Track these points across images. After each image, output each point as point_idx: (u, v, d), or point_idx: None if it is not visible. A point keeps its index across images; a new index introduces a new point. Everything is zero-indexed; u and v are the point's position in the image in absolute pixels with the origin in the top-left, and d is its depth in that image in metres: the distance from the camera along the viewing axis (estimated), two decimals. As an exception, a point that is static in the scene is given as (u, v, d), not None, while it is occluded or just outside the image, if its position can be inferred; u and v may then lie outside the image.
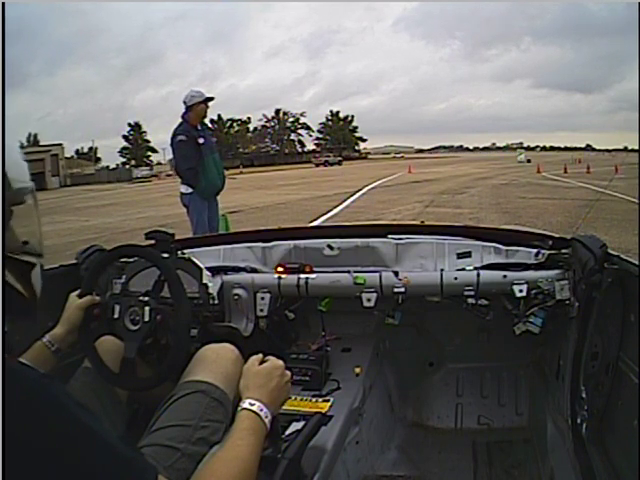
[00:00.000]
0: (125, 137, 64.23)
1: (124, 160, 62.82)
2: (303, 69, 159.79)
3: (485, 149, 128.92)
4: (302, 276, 1.74)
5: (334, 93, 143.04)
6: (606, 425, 1.32)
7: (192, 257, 1.65)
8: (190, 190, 4.18)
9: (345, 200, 12.71)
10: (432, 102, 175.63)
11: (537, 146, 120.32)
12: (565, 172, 20.95)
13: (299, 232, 2.09)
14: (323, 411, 1.49)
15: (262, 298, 1.76)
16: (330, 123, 75.52)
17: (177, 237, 1.66)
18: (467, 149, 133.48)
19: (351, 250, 1.79)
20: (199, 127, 4.25)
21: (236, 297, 1.76)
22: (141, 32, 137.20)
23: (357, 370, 1.76)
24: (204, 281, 1.59)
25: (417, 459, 1.83)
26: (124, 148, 63.49)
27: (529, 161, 34.59)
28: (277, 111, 72.89)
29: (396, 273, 1.68)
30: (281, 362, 1.02)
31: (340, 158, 52.77)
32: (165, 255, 1.51)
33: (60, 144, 46.26)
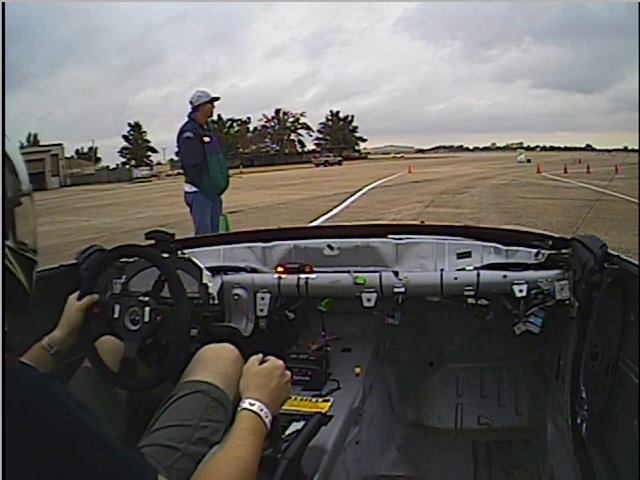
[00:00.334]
0: (125, 137, 64.24)
1: (124, 160, 62.84)
2: (303, 69, 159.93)
3: (485, 149, 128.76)
4: (302, 276, 1.74)
5: (334, 93, 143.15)
6: (606, 425, 1.32)
7: (192, 257, 1.65)
8: (194, 189, 4.20)
9: (345, 200, 12.71)
10: (432, 102, 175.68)
11: (537, 146, 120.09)
12: (565, 172, 20.93)
13: (299, 232, 2.09)
14: (323, 411, 1.49)
15: (262, 298, 1.76)
16: (330, 123, 75.50)
17: (177, 237, 1.66)
18: (467, 149, 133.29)
19: (351, 250, 1.79)
20: (205, 126, 4.28)
21: (236, 297, 1.76)
22: (141, 32, 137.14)
23: (357, 370, 1.76)
24: (204, 281, 1.59)
25: (417, 459, 1.83)
26: (124, 148, 63.45)
27: (529, 161, 34.57)
28: (277, 111, 72.99)
29: (396, 273, 1.68)
30: (281, 362, 1.02)
31: (340, 158, 52.75)
32: (165, 255, 1.51)
33: (60, 144, 46.25)
